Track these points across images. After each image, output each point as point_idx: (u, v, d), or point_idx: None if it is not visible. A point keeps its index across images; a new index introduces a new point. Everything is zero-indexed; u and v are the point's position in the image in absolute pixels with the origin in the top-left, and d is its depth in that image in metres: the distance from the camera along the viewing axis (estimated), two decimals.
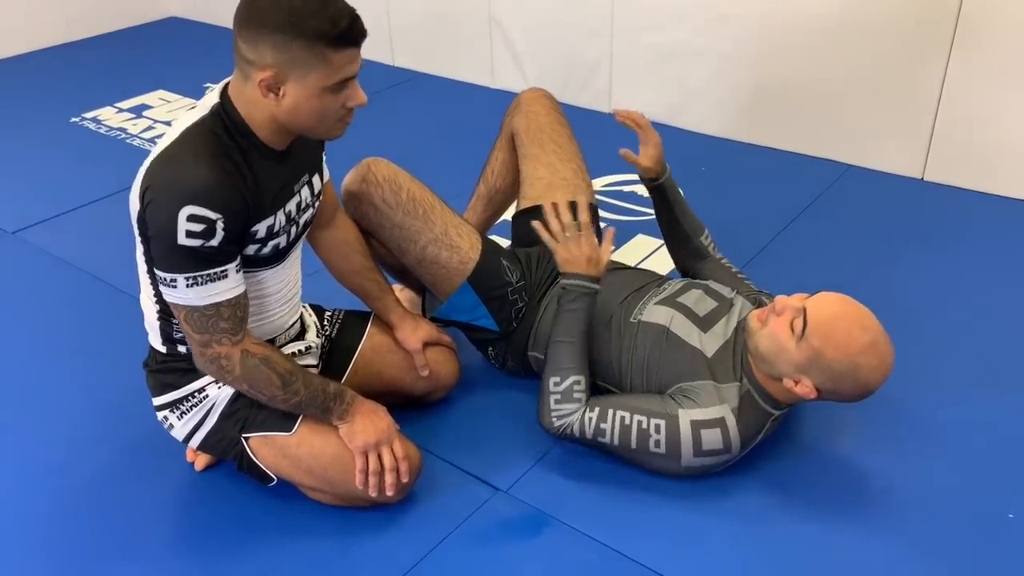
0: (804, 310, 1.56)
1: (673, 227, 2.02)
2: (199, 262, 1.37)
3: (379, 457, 1.57)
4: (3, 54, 4.43)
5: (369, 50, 4.08)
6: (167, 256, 1.37)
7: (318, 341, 1.76)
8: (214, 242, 1.37)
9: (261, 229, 1.49)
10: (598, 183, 2.87)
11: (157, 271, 1.41)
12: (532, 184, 2.11)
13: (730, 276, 1.95)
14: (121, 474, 1.80)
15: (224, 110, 1.42)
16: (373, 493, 1.57)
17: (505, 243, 2.18)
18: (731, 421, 1.62)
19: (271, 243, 1.53)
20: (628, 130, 3.31)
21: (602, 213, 2.56)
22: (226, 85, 1.45)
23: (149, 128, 3.54)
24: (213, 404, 1.62)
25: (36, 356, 2.21)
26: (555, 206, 1.81)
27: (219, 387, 1.61)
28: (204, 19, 4.82)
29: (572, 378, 1.69)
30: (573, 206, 1.90)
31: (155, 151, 1.41)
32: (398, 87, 3.89)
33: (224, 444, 1.63)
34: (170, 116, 3.64)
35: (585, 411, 1.67)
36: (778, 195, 2.85)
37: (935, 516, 1.65)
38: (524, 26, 3.60)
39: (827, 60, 2.91)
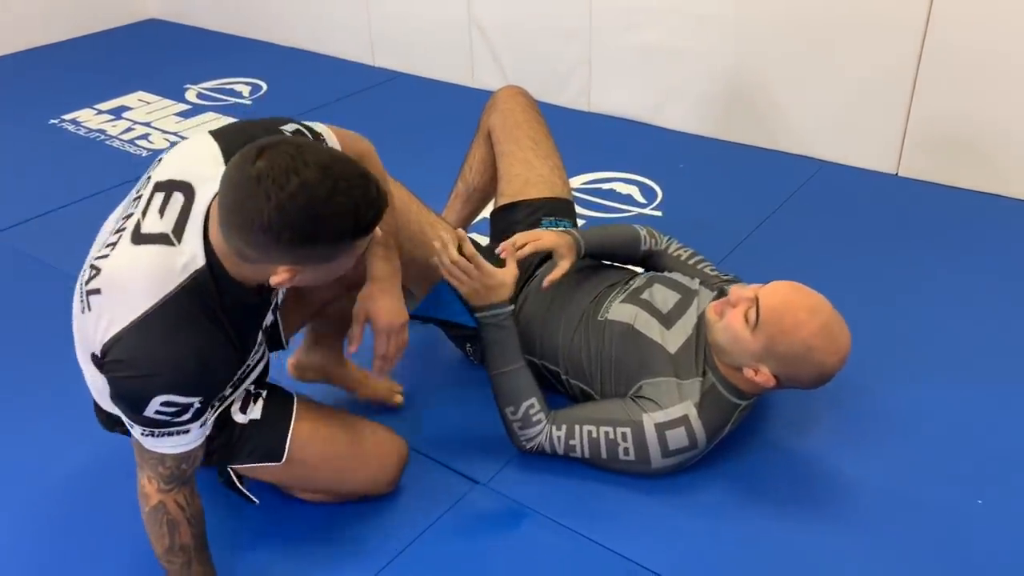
0: (757, 299, 1.59)
1: (616, 258, 2.00)
2: (163, 426, 1.28)
3: None
4: None
5: (349, 50, 4.12)
6: (130, 415, 1.28)
7: (271, 318, 1.63)
8: (184, 417, 1.28)
9: (245, 361, 1.44)
10: (577, 181, 2.89)
11: (118, 408, 1.30)
12: (509, 181, 2.13)
13: (687, 267, 1.95)
14: (100, 475, 1.80)
15: (211, 271, 1.25)
16: None
17: (484, 240, 2.20)
18: (694, 416, 1.64)
19: (251, 354, 1.46)
20: (608, 131, 3.37)
21: (581, 211, 2.58)
22: (205, 231, 1.25)
23: (128, 129, 3.53)
24: None
25: (14, 357, 2.21)
26: (440, 248, 1.68)
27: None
28: (183, 20, 4.80)
29: (525, 404, 1.71)
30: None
31: (122, 303, 1.22)
32: (378, 87, 3.89)
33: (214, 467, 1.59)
34: (149, 117, 3.64)
35: (552, 429, 1.70)
36: (754, 191, 2.88)
37: (907, 505, 1.67)
38: (503, 26, 3.62)
39: (802, 58, 2.94)
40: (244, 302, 1.32)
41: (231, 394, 1.52)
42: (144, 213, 1.29)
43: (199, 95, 3.86)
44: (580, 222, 2.26)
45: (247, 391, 1.57)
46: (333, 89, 3.82)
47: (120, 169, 3.07)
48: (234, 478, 1.58)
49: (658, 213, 2.74)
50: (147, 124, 3.58)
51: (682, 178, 2.97)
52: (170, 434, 1.29)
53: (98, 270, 1.28)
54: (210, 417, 1.38)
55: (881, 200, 2.81)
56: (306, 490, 1.67)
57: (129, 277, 1.25)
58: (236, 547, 1.62)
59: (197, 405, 1.28)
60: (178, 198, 1.28)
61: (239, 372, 1.42)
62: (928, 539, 1.60)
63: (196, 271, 1.24)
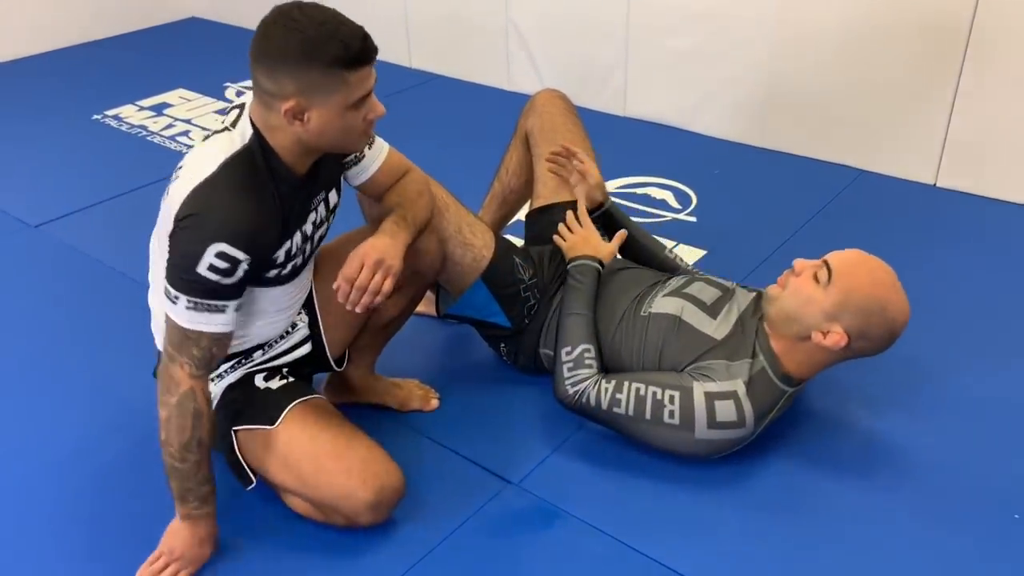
0: (827, 262, 1.65)
1: (637, 248, 2.04)
2: (207, 293, 1.40)
3: (163, 566, 1.55)
4: (28, 52, 4.50)
5: (387, 52, 4.13)
6: (181, 277, 1.40)
7: (306, 319, 1.74)
8: (230, 280, 1.40)
9: (281, 254, 1.52)
10: (611, 185, 2.89)
11: (166, 284, 1.43)
12: (545, 183, 2.14)
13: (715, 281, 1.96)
14: (134, 464, 1.83)
15: (259, 141, 1.44)
16: None
17: (519, 242, 2.21)
18: (743, 393, 1.65)
19: (290, 264, 1.57)
20: (643, 135, 3.37)
21: None
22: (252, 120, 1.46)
23: (169, 126, 3.58)
24: (212, 398, 1.63)
25: (55, 348, 2.25)
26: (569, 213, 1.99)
27: (215, 383, 1.64)
28: (224, 20, 4.88)
29: (582, 346, 1.76)
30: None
31: (193, 175, 1.41)
32: (415, 88, 3.92)
33: (218, 436, 1.63)
34: (190, 115, 3.69)
35: (601, 381, 1.71)
36: (791, 199, 2.86)
37: (949, 510, 1.66)
38: (540, 29, 3.63)
39: (841, 65, 2.93)
40: (288, 179, 1.47)
41: (261, 360, 1.68)
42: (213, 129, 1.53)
43: (238, 93, 3.91)
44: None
45: (278, 369, 1.69)
46: None
47: (160, 165, 3.11)
48: (236, 449, 1.63)
49: (692, 219, 2.74)
50: (187, 121, 3.63)
51: (717, 184, 2.96)
52: (210, 309, 1.42)
53: (179, 167, 1.47)
54: (240, 304, 1.47)
55: (919, 210, 2.78)
56: (292, 490, 1.63)
57: (196, 159, 1.45)
58: (265, 538, 1.65)
59: (244, 267, 1.40)
60: (236, 110, 1.51)
61: (279, 251, 1.51)
62: (976, 546, 1.58)
63: (247, 141, 1.44)
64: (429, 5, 3.94)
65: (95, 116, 3.71)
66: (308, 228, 1.58)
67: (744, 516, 1.66)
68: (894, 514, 1.66)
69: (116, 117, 3.70)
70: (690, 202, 2.84)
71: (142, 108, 3.78)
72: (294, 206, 1.51)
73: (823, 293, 1.63)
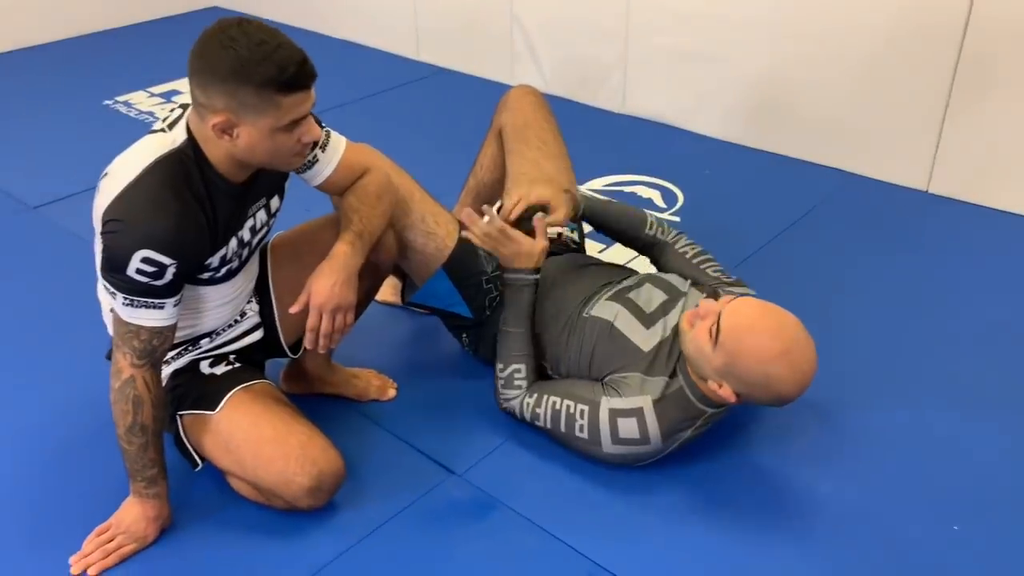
0: (719, 318, 1.55)
1: (617, 233, 2.04)
2: (140, 292, 1.43)
3: (110, 538, 1.59)
4: (46, 39, 4.60)
5: (395, 44, 4.20)
6: (113, 277, 1.42)
7: (256, 307, 1.77)
8: (161, 282, 1.42)
9: (215, 260, 1.55)
10: (599, 182, 2.90)
11: (102, 278, 1.46)
12: (515, 180, 2.15)
13: (689, 265, 1.95)
14: (100, 442, 1.86)
15: (192, 146, 1.45)
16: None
17: None
18: (648, 410, 1.65)
19: (224, 268, 1.59)
20: (640, 133, 3.36)
21: None
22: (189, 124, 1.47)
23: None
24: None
25: (48, 328, 2.29)
26: (469, 214, 1.79)
27: (162, 369, 1.65)
28: (245, 10, 4.94)
29: (513, 366, 1.79)
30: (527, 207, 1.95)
31: (121, 175, 1.42)
32: (421, 81, 3.95)
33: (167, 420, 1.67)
34: None
35: (525, 396, 1.77)
36: (778, 201, 2.84)
37: (874, 526, 1.65)
38: (543, 26, 3.64)
39: (837, 68, 2.90)
40: (223, 188, 1.49)
41: (208, 347, 1.70)
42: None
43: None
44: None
45: (225, 355, 1.72)
46: (377, 81, 3.89)
47: None
48: (182, 433, 1.67)
49: (676, 218, 2.73)
50: None
51: (707, 184, 2.95)
52: (147, 306, 1.45)
53: (110, 165, 1.49)
54: (180, 300, 1.49)
55: (908, 216, 2.74)
56: (234, 474, 1.67)
57: (126, 159, 1.46)
58: (203, 521, 1.67)
59: (172, 271, 1.42)
60: (179, 110, 1.52)
61: (213, 257, 1.54)
62: (893, 563, 1.58)
63: (179, 144, 1.45)
64: (437, 0, 3.97)
65: (106, 101, 3.79)
66: (246, 234, 1.60)
67: (676, 519, 1.66)
68: (818, 534, 1.64)
69: (126, 103, 3.78)
70: (676, 201, 2.83)
71: (153, 95, 3.86)
72: (229, 214, 1.53)
73: (711, 352, 1.56)
